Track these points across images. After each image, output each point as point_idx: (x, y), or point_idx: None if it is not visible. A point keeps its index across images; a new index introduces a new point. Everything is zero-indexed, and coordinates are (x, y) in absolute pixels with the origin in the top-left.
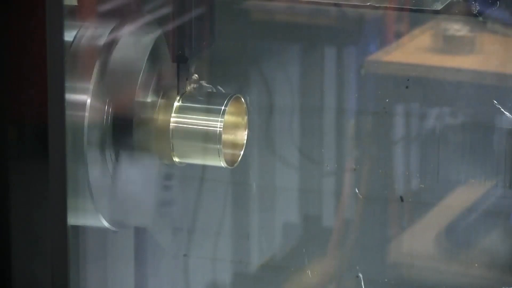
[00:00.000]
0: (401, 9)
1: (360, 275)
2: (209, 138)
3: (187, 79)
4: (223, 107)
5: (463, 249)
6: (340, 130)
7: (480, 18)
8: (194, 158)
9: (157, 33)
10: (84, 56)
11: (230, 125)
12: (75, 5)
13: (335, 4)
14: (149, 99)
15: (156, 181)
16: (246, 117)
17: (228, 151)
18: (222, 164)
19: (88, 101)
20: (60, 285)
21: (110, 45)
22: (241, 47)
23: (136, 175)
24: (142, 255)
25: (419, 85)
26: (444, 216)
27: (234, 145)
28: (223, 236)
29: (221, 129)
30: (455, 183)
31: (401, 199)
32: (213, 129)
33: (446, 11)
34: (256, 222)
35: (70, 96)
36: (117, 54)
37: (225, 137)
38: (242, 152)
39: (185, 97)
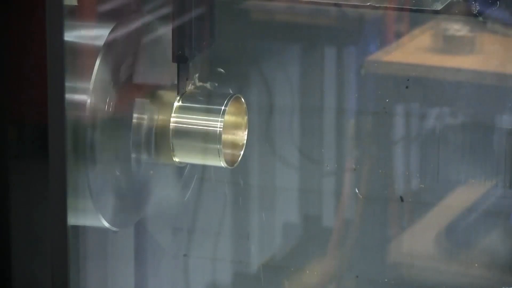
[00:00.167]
0: (401, 9)
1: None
2: (209, 138)
3: (187, 79)
4: (223, 107)
5: (463, 249)
6: (340, 130)
7: (480, 18)
8: (194, 158)
9: (157, 33)
10: (84, 56)
11: (230, 125)
12: (75, 5)
13: (335, 4)
14: (149, 99)
15: (156, 181)
16: (246, 117)
17: (228, 151)
18: (222, 164)
19: (88, 101)
20: (60, 285)
21: (110, 45)
22: (241, 47)
23: (136, 175)
24: (142, 255)
25: (419, 85)
26: (444, 216)
27: (234, 145)
28: (223, 236)
29: (221, 129)
30: (455, 183)
31: (401, 199)
32: (213, 129)
33: (446, 11)
34: (256, 222)
35: (70, 96)
36: (117, 54)
37: (225, 137)
38: (242, 152)
39: (185, 97)
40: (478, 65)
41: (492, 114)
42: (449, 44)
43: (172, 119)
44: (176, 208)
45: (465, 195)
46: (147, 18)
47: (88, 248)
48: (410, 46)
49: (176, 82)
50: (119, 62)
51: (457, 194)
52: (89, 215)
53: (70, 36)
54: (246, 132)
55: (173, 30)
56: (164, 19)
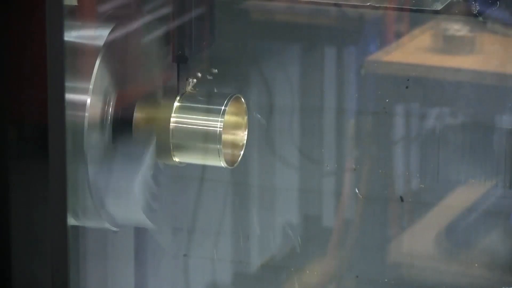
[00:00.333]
0: (401, 9)
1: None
2: (209, 138)
3: (187, 79)
4: (223, 107)
5: (463, 249)
6: (340, 130)
7: (480, 18)
8: (194, 158)
9: (157, 33)
10: (84, 56)
11: (230, 125)
12: (75, 5)
13: (335, 4)
14: (149, 99)
15: (155, 181)
16: (246, 117)
17: (228, 151)
18: (222, 164)
19: (88, 101)
20: (60, 285)
21: (110, 45)
22: (241, 47)
23: (136, 175)
24: (142, 255)
25: (419, 85)
26: (444, 216)
27: (234, 145)
28: (223, 236)
29: (221, 129)
30: (455, 183)
31: (401, 199)
32: (213, 129)
33: (446, 11)
34: (256, 222)
35: (70, 96)
36: (117, 54)
37: (225, 137)
38: (242, 152)
39: (185, 97)
40: (478, 65)
41: (492, 114)
42: (449, 44)
43: (172, 119)
44: (175, 208)
45: (465, 195)
46: (147, 18)
47: (88, 248)
48: (410, 46)
49: (176, 82)
50: (119, 62)
51: (457, 194)
52: (89, 215)
53: (70, 36)
54: (246, 132)
55: (173, 30)
56: (164, 19)
